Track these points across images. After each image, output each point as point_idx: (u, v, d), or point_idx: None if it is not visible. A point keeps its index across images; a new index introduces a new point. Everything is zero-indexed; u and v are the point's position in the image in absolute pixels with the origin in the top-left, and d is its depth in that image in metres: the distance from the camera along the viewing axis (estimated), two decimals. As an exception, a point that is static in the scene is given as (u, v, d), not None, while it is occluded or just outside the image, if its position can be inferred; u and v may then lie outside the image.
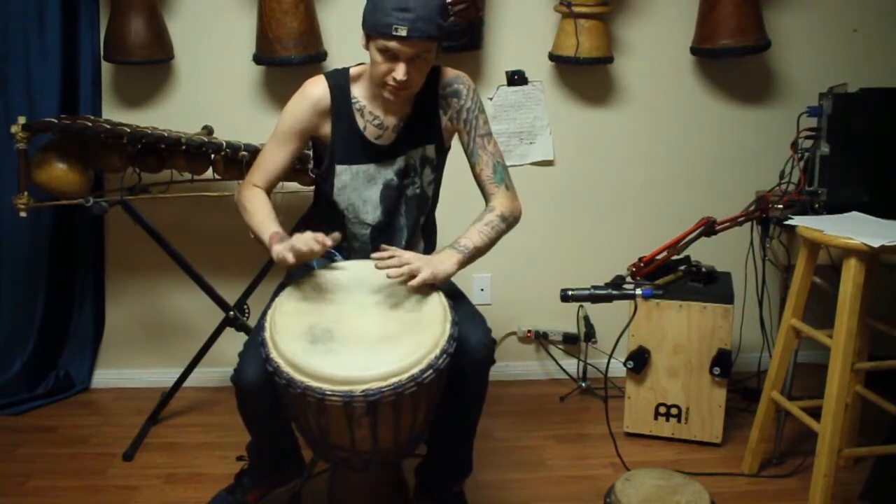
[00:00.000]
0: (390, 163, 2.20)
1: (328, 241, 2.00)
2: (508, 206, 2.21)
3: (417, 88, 2.12)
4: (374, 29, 2.02)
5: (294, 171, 2.84)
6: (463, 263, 2.10)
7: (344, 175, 2.19)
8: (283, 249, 1.97)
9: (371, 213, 2.22)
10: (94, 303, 3.23)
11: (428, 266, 2.03)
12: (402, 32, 1.97)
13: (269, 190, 2.23)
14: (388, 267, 2.02)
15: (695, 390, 2.81)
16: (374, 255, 2.07)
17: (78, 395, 3.22)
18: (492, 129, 2.26)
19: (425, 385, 1.86)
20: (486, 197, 2.24)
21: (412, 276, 2.01)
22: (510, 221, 2.21)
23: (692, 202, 3.23)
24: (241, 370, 2.03)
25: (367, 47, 2.09)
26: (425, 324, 1.96)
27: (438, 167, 2.28)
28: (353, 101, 2.18)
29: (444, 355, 1.90)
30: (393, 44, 2.00)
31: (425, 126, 2.22)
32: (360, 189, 2.20)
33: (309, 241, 1.98)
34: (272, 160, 2.21)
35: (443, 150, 2.28)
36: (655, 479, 2.29)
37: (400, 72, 2.02)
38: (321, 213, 2.30)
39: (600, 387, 3.13)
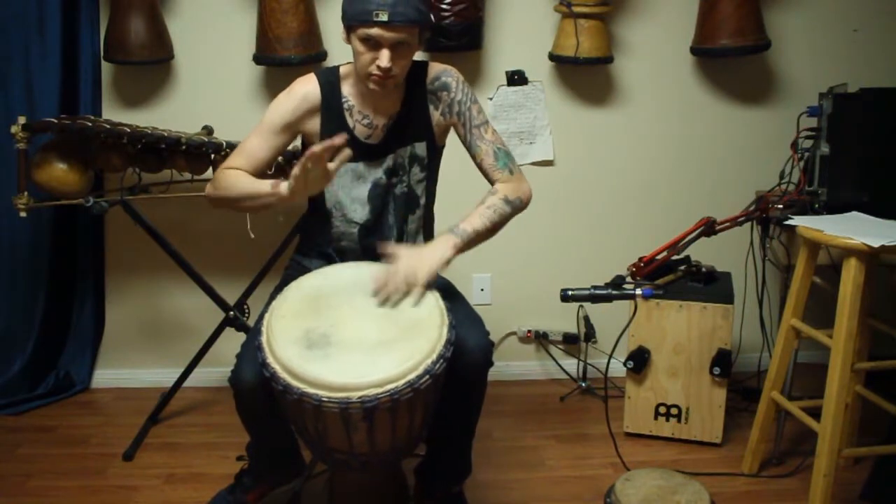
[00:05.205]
0: (379, 161, 2.19)
1: (339, 140, 1.92)
2: (514, 188, 2.17)
3: (401, 78, 2.11)
4: (354, 18, 2.01)
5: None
6: (461, 248, 2.06)
7: None
8: (299, 165, 1.89)
9: (359, 211, 2.21)
10: (94, 303, 3.23)
11: (421, 267, 2.01)
12: (384, 17, 1.97)
13: None
14: (388, 296, 1.99)
15: (695, 390, 2.81)
16: (373, 289, 2.01)
17: (78, 395, 3.22)
18: (488, 118, 2.23)
19: (422, 391, 1.85)
20: (493, 185, 2.20)
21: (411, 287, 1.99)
22: (516, 204, 2.16)
23: (692, 202, 3.23)
24: (239, 372, 2.02)
25: (347, 41, 2.08)
26: (422, 328, 1.94)
27: (430, 166, 2.26)
28: (343, 99, 2.17)
29: (441, 360, 1.89)
30: (375, 30, 1.99)
31: (415, 124, 2.20)
32: (348, 187, 2.19)
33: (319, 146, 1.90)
34: (255, 153, 2.18)
35: (434, 148, 2.25)
36: (655, 479, 2.29)
37: (384, 59, 2.00)
38: (314, 212, 2.29)
39: (600, 387, 3.13)
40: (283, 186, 1.98)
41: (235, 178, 2.12)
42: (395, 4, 1.97)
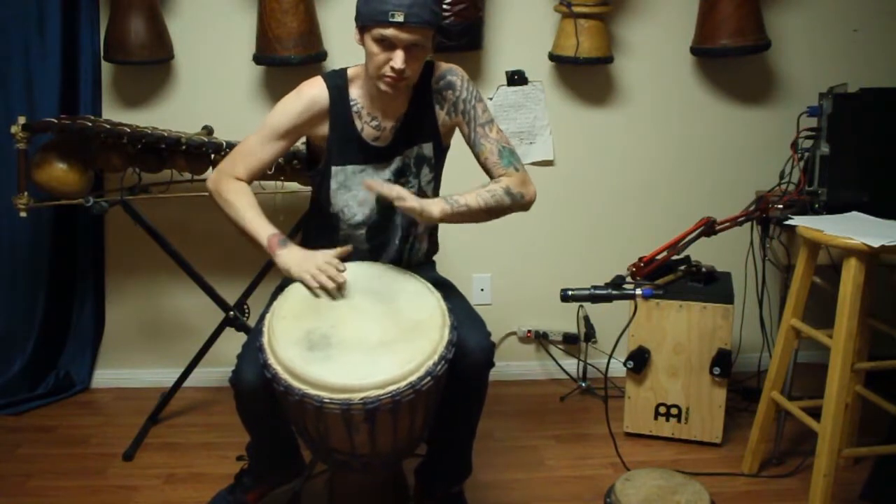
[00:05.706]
0: (387, 164, 2.19)
1: (342, 276, 2.05)
2: (518, 183, 2.16)
3: (414, 80, 2.10)
4: (369, 18, 2.00)
5: (294, 170, 2.84)
6: (448, 216, 2.04)
7: (339, 176, 2.17)
8: (300, 270, 2.04)
9: (367, 213, 2.20)
10: (94, 303, 3.23)
11: (416, 199, 2.01)
12: (400, 18, 1.96)
13: (250, 183, 2.20)
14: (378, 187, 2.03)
15: (695, 390, 2.81)
16: (366, 181, 2.09)
17: (78, 395, 3.22)
18: (493, 117, 2.22)
19: (424, 392, 1.85)
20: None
21: (399, 197, 1.99)
22: (516, 198, 2.15)
23: (692, 202, 3.23)
24: (240, 372, 2.02)
25: (360, 42, 2.07)
26: (424, 329, 1.94)
27: (436, 166, 2.26)
28: (352, 102, 2.16)
29: (443, 362, 1.89)
30: (390, 31, 1.98)
31: (422, 124, 2.20)
32: (356, 190, 2.18)
33: (329, 270, 2.03)
34: (257, 155, 2.17)
35: (440, 148, 2.25)
36: (655, 479, 2.29)
37: (398, 60, 2.00)
38: (318, 214, 2.28)
39: (600, 387, 3.13)
40: (279, 254, 2.06)
41: (240, 201, 2.13)
42: (412, 6, 1.96)
